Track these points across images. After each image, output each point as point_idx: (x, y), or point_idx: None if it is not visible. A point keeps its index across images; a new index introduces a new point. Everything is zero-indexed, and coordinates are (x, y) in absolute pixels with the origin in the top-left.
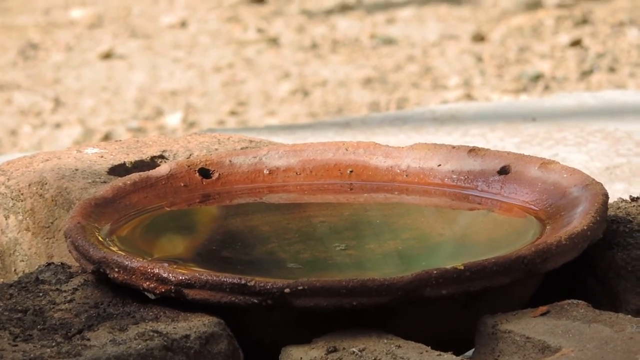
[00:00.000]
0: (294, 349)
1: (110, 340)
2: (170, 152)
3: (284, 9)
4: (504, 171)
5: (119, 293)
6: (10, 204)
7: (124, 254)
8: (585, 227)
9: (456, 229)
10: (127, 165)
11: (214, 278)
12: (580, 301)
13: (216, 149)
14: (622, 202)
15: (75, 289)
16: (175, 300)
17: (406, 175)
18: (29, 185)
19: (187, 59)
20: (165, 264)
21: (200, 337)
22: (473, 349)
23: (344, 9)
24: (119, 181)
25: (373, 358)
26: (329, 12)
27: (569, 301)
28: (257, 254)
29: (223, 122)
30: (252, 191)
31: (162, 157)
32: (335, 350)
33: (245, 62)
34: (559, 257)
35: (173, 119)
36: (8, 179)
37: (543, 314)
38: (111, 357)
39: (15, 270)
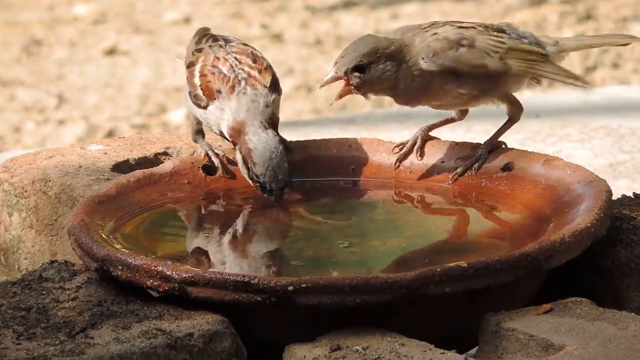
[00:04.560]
0: (297, 347)
1: (113, 339)
2: (174, 149)
3: (287, 4)
4: (507, 168)
5: (123, 291)
6: (14, 201)
7: (127, 251)
8: (588, 225)
9: (460, 226)
10: (131, 162)
11: (218, 276)
12: (583, 299)
13: (220, 146)
14: (625, 198)
15: (79, 287)
16: (179, 298)
17: (410, 172)
18: (33, 182)
19: None
20: (169, 262)
21: (203, 335)
22: (477, 347)
23: (347, 4)
24: (122, 178)
25: (377, 356)
26: (333, 8)
27: (573, 299)
28: (260, 252)
29: None
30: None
31: (165, 154)
32: (338, 348)
33: None
34: (563, 255)
35: (177, 116)
36: (12, 176)
37: (546, 312)
38: (115, 355)
39: (18, 267)
